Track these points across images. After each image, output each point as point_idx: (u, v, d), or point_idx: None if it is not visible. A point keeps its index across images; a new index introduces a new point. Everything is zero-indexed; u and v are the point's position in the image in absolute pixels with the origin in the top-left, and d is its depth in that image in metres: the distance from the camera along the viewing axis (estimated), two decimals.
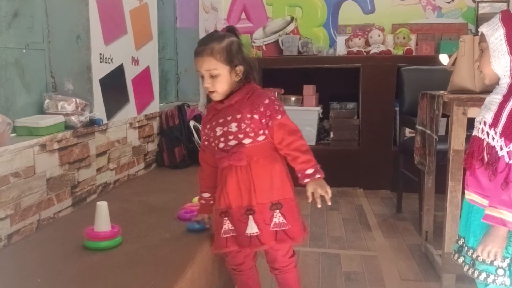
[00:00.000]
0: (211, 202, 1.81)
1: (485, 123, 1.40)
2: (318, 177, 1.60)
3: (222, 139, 1.67)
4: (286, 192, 1.67)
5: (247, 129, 1.63)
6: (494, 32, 1.39)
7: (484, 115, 1.42)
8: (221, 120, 1.67)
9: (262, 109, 1.63)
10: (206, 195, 1.83)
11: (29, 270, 1.54)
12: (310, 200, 1.60)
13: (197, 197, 2.27)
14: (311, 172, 1.60)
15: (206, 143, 1.76)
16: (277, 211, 1.64)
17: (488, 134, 1.38)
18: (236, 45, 1.64)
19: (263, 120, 1.63)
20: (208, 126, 1.73)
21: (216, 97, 1.67)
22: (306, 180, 1.61)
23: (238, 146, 1.64)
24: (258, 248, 1.68)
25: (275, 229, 1.64)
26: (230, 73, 1.63)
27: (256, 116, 1.63)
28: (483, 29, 1.44)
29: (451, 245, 1.99)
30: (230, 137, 1.65)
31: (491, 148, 1.36)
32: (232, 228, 1.69)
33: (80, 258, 1.63)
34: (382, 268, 2.42)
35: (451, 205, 2.09)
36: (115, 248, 1.71)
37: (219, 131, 1.67)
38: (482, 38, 1.45)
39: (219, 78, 1.62)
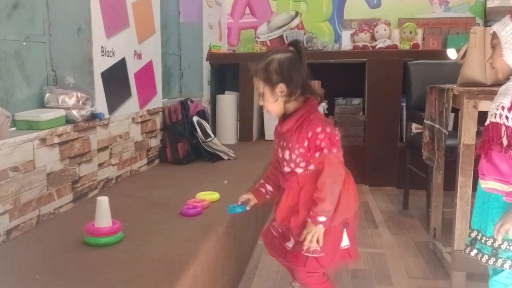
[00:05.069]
0: (267, 196, 1.80)
1: (503, 107, 1.43)
2: (320, 222, 1.58)
3: (282, 162, 1.69)
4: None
5: (297, 160, 1.62)
6: (505, 27, 1.48)
7: (501, 100, 1.45)
8: (282, 143, 1.68)
9: (306, 144, 1.58)
10: (268, 187, 1.80)
11: (28, 267, 1.50)
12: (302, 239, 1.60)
13: (201, 193, 2.25)
14: (315, 215, 1.59)
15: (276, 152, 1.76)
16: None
17: (507, 117, 1.41)
18: (276, 63, 1.58)
19: (308, 154, 1.59)
20: (276, 140, 1.73)
21: (271, 116, 1.69)
22: (309, 220, 1.60)
23: (292, 174, 1.65)
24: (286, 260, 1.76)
25: (306, 254, 1.63)
26: (272, 92, 1.60)
27: (301, 150, 1.60)
28: (494, 28, 1.52)
29: (461, 242, 1.94)
30: (285, 163, 1.67)
31: None
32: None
33: (80, 254, 1.59)
34: (389, 266, 2.37)
35: (461, 201, 2.03)
36: (116, 244, 1.67)
37: (280, 152, 1.68)
38: (494, 36, 1.53)
39: (265, 97, 1.62)
